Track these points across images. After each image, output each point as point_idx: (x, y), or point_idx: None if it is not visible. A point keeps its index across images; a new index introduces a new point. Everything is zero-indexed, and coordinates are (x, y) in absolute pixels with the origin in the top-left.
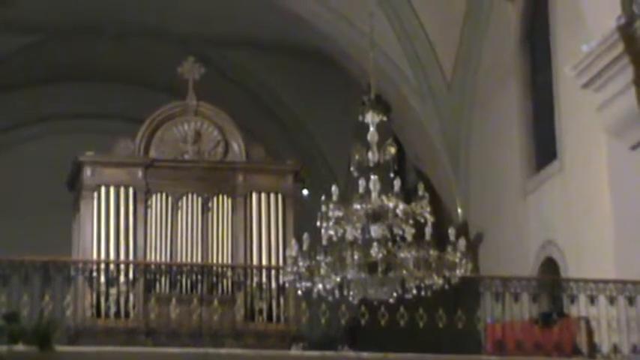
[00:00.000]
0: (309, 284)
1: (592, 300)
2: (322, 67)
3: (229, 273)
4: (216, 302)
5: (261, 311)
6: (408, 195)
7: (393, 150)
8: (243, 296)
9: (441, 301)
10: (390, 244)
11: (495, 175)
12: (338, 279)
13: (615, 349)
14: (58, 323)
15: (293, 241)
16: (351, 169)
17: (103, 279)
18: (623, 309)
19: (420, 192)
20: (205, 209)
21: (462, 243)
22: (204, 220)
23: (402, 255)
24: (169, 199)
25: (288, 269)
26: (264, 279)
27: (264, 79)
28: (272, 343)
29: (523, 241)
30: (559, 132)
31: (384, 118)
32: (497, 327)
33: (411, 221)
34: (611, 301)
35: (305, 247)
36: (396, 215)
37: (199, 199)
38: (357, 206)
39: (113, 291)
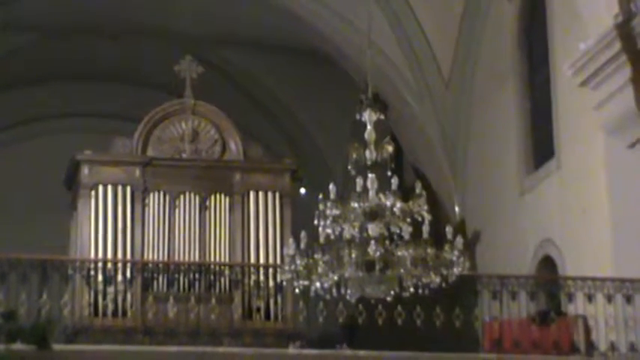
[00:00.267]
0: (306, 282)
1: (590, 298)
2: (320, 65)
3: (227, 271)
4: (213, 301)
5: (258, 310)
6: (405, 193)
7: (390, 148)
8: (240, 295)
9: (438, 300)
10: (387, 242)
11: (493, 173)
12: (335, 277)
13: (613, 347)
14: (56, 322)
15: (290, 240)
16: (349, 167)
17: (100, 278)
18: (620, 307)
19: (418, 190)
20: (203, 208)
21: (459, 241)
22: (201, 219)
23: (399, 253)
24: (167, 197)
25: (286, 268)
26: (261, 277)
27: (262, 77)
28: (270, 342)
29: (520, 239)
30: (556, 130)
31: (382, 117)
32: (495, 325)
33: (408, 219)
34: (609, 299)
35: (302, 245)
36: (394, 213)
37: (197, 197)
38: (355, 204)
39: (111, 290)
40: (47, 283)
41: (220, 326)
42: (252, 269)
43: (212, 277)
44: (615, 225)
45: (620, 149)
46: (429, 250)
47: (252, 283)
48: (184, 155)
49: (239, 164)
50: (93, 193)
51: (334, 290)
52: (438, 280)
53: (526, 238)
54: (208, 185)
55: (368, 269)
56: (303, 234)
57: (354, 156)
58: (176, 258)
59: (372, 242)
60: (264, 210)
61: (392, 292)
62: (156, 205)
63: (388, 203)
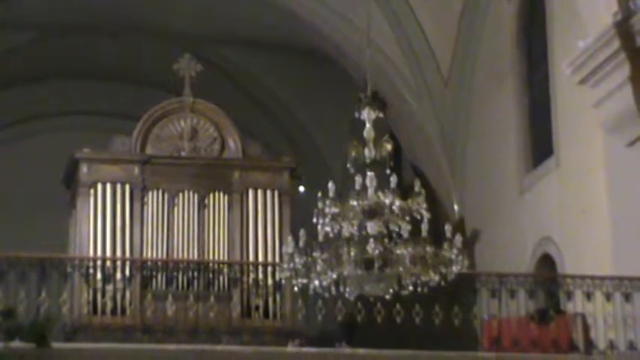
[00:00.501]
0: (305, 281)
1: (588, 296)
2: (319, 64)
3: (225, 270)
4: (212, 299)
5: (257, 308)
6: (404, 191)
7: (389, 146)
8: (239, 293)
9: (437, 298)
10: (386, 240)
11: (492, 171)
12: (334, 275)
13: (611, 345)
14: (55, 320)
15: (289, 238)
16: (348, 165)
17: (99, 276)
18: (619, 305)
19: (417, 188)
20: (202, 206)
21: (458, 239)
22: (200, 217)
23: (398, 251)
24: (166, 195)
25: (285, 266)
26: (260, 276)
27: (261, 76)
28: (268, 340)
29: (519, 237)
30: (555, 128)
31: (381, 115)
32: (494, 323)
33: (407, 218)
34: (608, 297)
35: (301, 243)
36: (393, 212)
37: (196, 195)
38: (354, 203)
39: (109, 288)
40: (46, 281)
41: (219, 324)
42: (250, 267)
43: (211, 276)
44: (614, 223)
45: (620, 147)
46: (428, 249)
47: (251, 281)
48: (183, 153)
49: (238, 162)
50: (92, 191)
51: (333, 288)
52: (437, 278)
53: (525, 236)
54: (207, 183)
55: (367, 267)
56: (302, 232)
57: (353, 154)
58: (175, 256)
59: (371, 240)
60: (263, 208)
61: (391, 291)
62: (155, 204)
63: (387, 201)
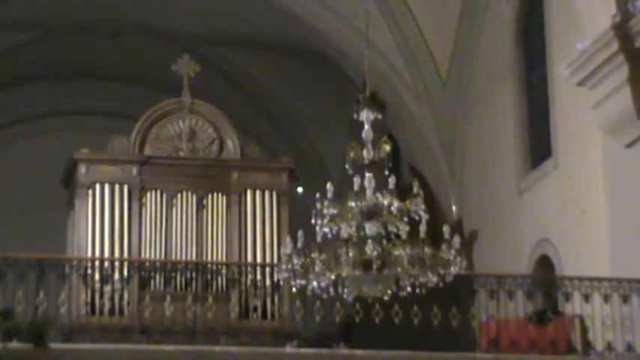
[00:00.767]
0: (303, 282)
1: (586, 298)
2: (317, 64)
3: (224, 270)
4: (210, 300)
5: (255, 309)
6: (402, 192)
7: (387, 147)
8: (237, 294)
9: (435, 299)
10: (384, 241)
11: (490, 172)
12: (332, 276)
13: (609, 347)
14: (53, 320)
15: (287, 239)
16: (346, 166)
17: (97, 276)
18: (617, 307)
19: (415, 189)
20: (200, 207)
21: (456, 241)
22: (198, 218)
23: (396, 252)
24: (164, 196)
25: (283, 267)
26: (258, 276)
27: (259, 76)
28: (266, 341)
29: (518, 238)
30: (554, 130)
31: (379, 116)
32: (492, 325)
33: (405, 219)
34: (606, 299)
35: (299, 244)
36: (391, 213)
37: (194, 196)
38: (352, 204)
39: (108, 288)
40: (44, 281)
41: (217, 325)
42: (249, 268)
43: (209, 276)
44: (612, 225)
45: (618, 149)
46: (427, 250)
47: (249, 282)
48: (182, 154)
49: (236, 163)
50: (90, 191)
51: (331, 289)
52: (435, 279)
53: (523, 237)
54: (205, 184)
55: (365, 268)
56: (300, 233)
57: (352, 155)
58: (173, 257)
59: (370, 241)
60: (262, 209)
61: (389, 292)
62: (153, 204)
63: (385, 202)
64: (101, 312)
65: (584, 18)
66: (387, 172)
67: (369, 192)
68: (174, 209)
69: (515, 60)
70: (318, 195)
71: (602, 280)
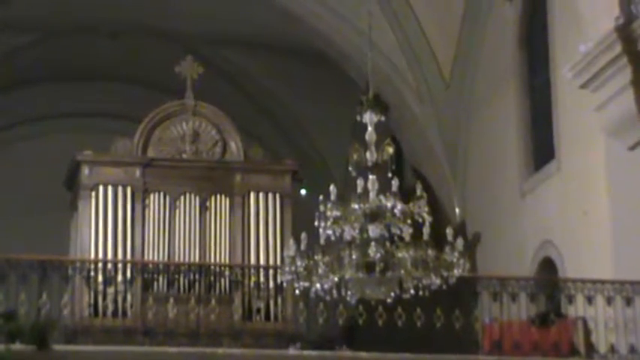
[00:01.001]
0: (306, 284)
1: (589, 300)
2: (320, 66)
3: (227, 272)
4: (213, 302)
5: (258, 311)
6: (405, 195)
7: (391, 150)
8: (240, 296)
9: (438, 301)
10: (387, 243)
11: (493, 175)
12: (336, 278)
13: (612, 349)
14: (56, 322)
15: (291, 241)
16: (349, 168)
17: (100, 278)
18: (620, 309)
19: (418, 192)
20: (203, 209)
21: (459, 243)
22: (201, 220)
23: (399, 255)
24: (167, 198)
25: (286, 269)
26: (261, 278)
27: (263, 78)
28: (270, 343)
29: (521, 241)
30: (557, 132)
31: (382, 118)
32: (495, 327)
33: (408, 221)
34: (609, 301)
35: (303, 246)
36: (394, 215)
37: (197, 198)
38: (355, 206)
39: (111, 290)
40: (47, 283)
41: (220, 327)
42: (252, 270)
43: (212, 278)
44: (615, 227)
45: (621, 151)
46: (430, 252)
47: (252, 284)
48: (185, 156)
49: (239, 165)
50: (93, 193)
51: (334, 291)
52: (438, 281)
53: (526, 239)
54: (209, 186)
55: (368, 270)
56: (303, 235)
57: (355, 157)
58: (176, 259)
59: (373, 243)
60: (265, 211)
61: (392, 294)
62: (156, 206)
63: (389, 205)
64: (104, 314)
65: (588, 20)
66: (390, 175)
67: (372, 194)
68: (177, 211)
69: (518, 62)
70: (321, 197)
71: (605, 283)
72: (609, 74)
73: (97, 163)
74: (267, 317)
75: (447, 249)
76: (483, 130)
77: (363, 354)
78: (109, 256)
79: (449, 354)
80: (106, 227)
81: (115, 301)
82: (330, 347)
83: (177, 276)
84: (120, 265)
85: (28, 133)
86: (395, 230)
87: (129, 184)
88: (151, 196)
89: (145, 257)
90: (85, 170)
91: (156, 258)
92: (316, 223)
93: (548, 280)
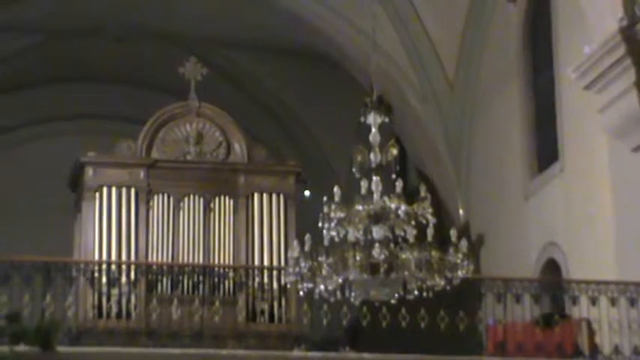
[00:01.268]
0: (310, 285)
1: (593, 301)
2: (324, 68)
3: (231, 274)
4: (217, 303)
5: (262, 312)
6: (409, 196)
7: (395, 151)
8: (244, 297)
9: (442, 303)
10: (391, 245)
11: (497, 176)
12: (340, 280)
13: (617, 350)
14: (60, 324)
15: (295, 242)
16: (353, 170)
17: (104, 279)
18: (624, 310)
19: (422, 193)
20: (207, 210)
21: (463, 244)
22: (206, 221)
23: (403, 256)
24: (171, 199)
25: (290, 270)
26: (265, 280)
27: (267, 80)
28: (274, 344)
29: (524, 242)
30: (561, 134)
31: (386, 119)
32: (499, 328)
33: (412, 222)
34: (613, 302)
35: (307, 247)
36: (398, 216)
37: (201, 199)
38: (359, 207)
39: (115, 292)
40: (51, 284)
41: (224, 329)
42: (256, 271)
43: (216, 280)
44: (619, 228)
45: (625, 152)
46: (434, 253)
47: (256, 285)
48: (189, 157)
49: (243, 166)
50: (97, 195)
51: (338, 293)
52: (442, 283)
53: (530, 241)
54: (213, 187)
55: (372, 272)
56: (307, 236)
57: (359, 158)
58: (180, 260)
59: (377, 245)
60: (269, 212)
61: (396, 295)
62: (160, 207)
63: (393, 206)
64: (108, 315)
65: (592, 21)
66: (394, 176)
67: (376, 195)
68: (181, 212)
69: (522, 63)
70: (325, 198)
71: (609, 284)
72: (613, 75)
73: (101, 165)
74: (272, 319)
75: (451, 250)
76: (487, 131)
77: (367, 355)
78: (113, 257)
79: (453, 355)
80: (110, 228)
81: (119, 303)
82: (334, 348)
83: (181, 277)
84: (124, 267)
85: (32, 135)
86: (399, 231)
87: (133, 186)
88: (155, 197)
89: (149, 258)
90: (89, 172)
91: (160, 259)
92: (320, 225)
93: (552, 281)
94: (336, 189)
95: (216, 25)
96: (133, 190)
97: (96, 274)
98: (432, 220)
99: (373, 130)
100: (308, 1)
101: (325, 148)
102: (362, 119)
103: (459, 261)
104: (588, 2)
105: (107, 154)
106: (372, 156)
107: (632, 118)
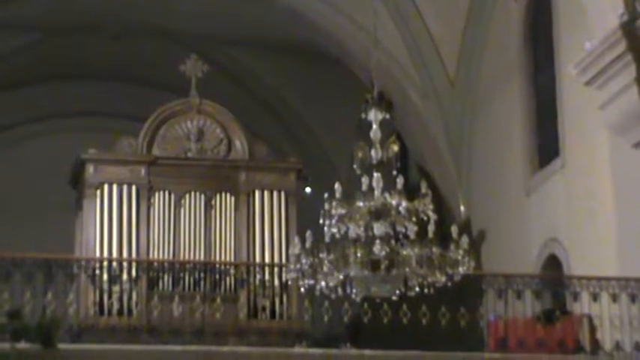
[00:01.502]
0: (312, 282)
1: (595, 297)
2: (325, 64)
3: (232, 271)
4: (219, 300)
5: (264, 309)
6: (410, 192)
7: (395, 147)
8: (246, 294)
9: (443, 299)
10: (392, 241)
11: (498, 172)
12: (341, 276)
13: (618, 346)
14: (61, 321)
15: (296, 239)
16: (354, 166)
17: (105, 277)
18: (625, 306)
19: (423, 189)
20: (208, 207)
21: (464, 240)
22: (207, 218)
23: (404, 252)
24: (172, 196)
25: (291, 267)
26: (267, 276)
27: (267, 77)
28: (275, 341)
29: (526, 238)
30: (562, 130)
31: (387, 116)
32: (500, 324)
33: (413, 219)
34: (614, 298)
35: (308, 244)
36: (399, 213)
37: (202, 196)
38: (360, 204)
39: (116, 289)
40: (52, 282)
41: (225, 325)
42: (257, 268)
43: (217, 277)
44: (620, 224)
45: (626, 148)
46: (435, 250)
47: (257, 282)
48: (190, 154)
49: (244, 163)
50: (98, 192)
51: (339, 289)
52: (443, 279)
53: (531, 237)
54: (214, 184)
55: (373, 268)
56: (308, 233)
57: (360, 155)
58: (181, 257)
59: (378, 241)
60: (270, 209)
61: (397, 292)
62: (161, 205)
63: (394, 202)
64: (109, 312)
65: (593, 17)
66: (395, 172)
67: (377, 192)
68: (182, 209)
69: (523, 59)
70: (326, 195)
71: (610, 280)
72: (614, 71)
73: (102, 162)
74: (273, 315)
75: (452, 246)
76: (488, 128)
77: (368, 352)
78: (114, 254)
79: (454, 351)
80: (111, 226)
81: (121, 300)
82: (335, 345)
83: (182, 274)
84: (125, 264)
85: (32, 133)
86: (400, 228)
87: (134, 183)
88: (156, 194)
89: (150, 256)
90: (90, 169)
91: (161, 256)
92: (321, 221)
93: (554, 277)
94: (336, 185)
95: (216, 22)
96: (134, 187)
97: (97, 272)
98: (432, 216)
99: (374, 126)
100: None
101: (326, 144)
102: (363, 116)
103: (460, 257)
104: None
105: (108, 152)
106: (372, 152)
107: (632, 114)
